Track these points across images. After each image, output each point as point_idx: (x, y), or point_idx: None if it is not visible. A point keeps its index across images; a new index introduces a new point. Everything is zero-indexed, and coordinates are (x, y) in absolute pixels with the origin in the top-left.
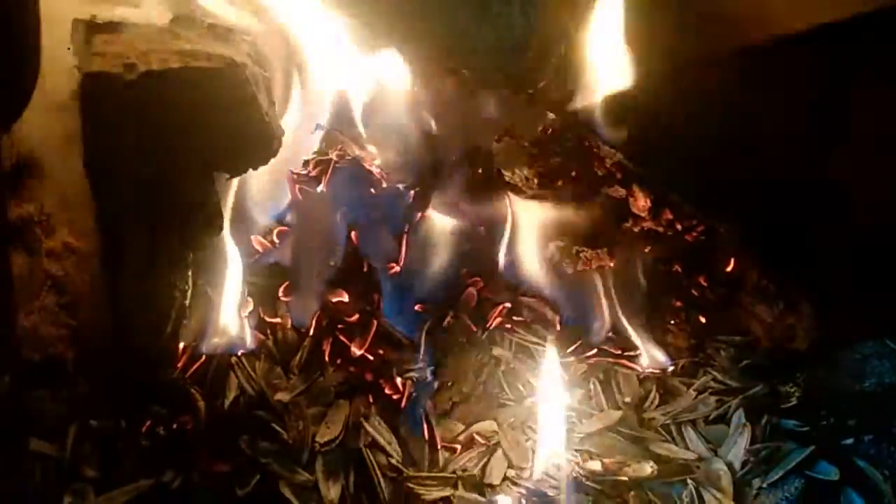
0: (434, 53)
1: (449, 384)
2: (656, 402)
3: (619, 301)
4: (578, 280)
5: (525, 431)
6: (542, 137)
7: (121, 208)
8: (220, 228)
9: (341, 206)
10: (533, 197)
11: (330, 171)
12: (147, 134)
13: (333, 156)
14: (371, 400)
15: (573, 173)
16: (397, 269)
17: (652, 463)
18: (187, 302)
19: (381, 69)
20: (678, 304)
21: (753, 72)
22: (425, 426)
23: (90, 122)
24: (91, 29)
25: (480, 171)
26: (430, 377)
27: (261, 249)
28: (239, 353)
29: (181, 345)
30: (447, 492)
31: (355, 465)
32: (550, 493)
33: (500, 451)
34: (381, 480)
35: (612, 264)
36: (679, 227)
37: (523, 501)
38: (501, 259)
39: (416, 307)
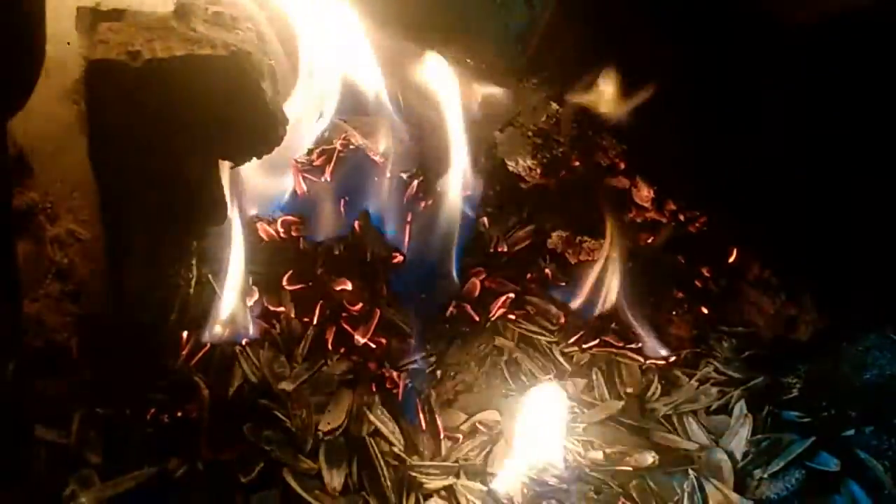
0: (438, 43)
1: (451, 374)
2: (658, 392)
3: (621, 291)
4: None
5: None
6: (545, 127)
7: (125, 196)
8: (224, 217)
9: (345, 195)
10: (536, 186)
11: (334, 160)
12: (151, 121)
13: (337, 145)
14: (374, 389)
15: (576, 163)
16: (400, 258)
17: (653, 453)
18: (191, 290)
19: (385, 58)
20: (680, 294)
21: (758, 63)
22: (422, 415)
23: (94, 109)
24: (96, 16)
25: (483, 160)
26: (426, 366)
27: (266, 238)
28: (243, 342)
29: (185, 333)
30: (450, 480)
31: (358, 453)
32: (552, 482)
33: (502, 441)
34: (384, 469)
35: (614, 254)
36: (682, 217)
37: (525, 490)
38: None
39: (420, 296)
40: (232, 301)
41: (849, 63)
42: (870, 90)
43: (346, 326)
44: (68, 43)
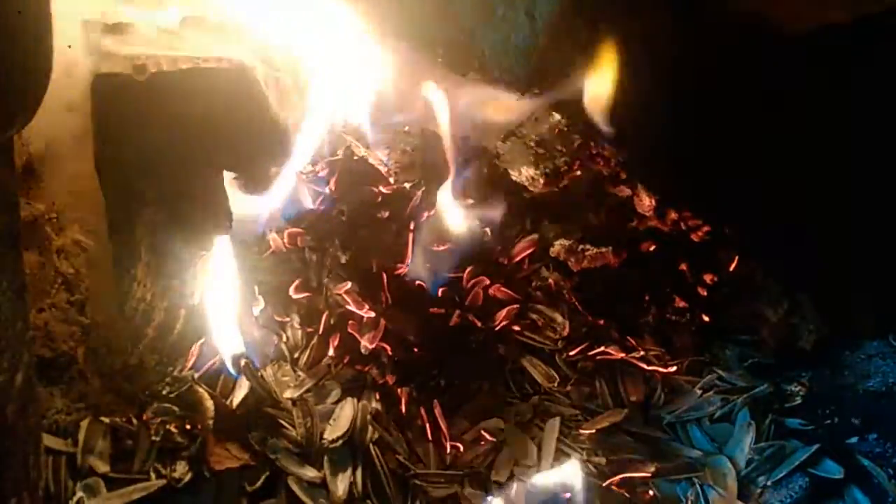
0: (442, 55)
1: (455, 382)
2: (662, 400)
3: (623, 300)
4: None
5: (531, 429)
6: (547, 137)
7: (131, 207)
8: (229, 227)
9: (348, 206)
10: (538, 196)
11: (338, 170)
12: (157, 134)
13: (341, 155)
14: (378, 398)
15: (578, 173)
16: (404, 268)
17: (657, 461)
18: (197, 300)
19: (389, 70)
20: (683, 303)
21: (754, 70)
22: (426, 423)
23: (101, 122)
24: (101, 30)
25: (486, 170)
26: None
27: (274, 247)
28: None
29: (192, 343)
30: (454, 489)
31: (363, 461)
32: (556, 490)
33: (506, 449)
34: (388, 477)
35: (615, 263)
36: (684, 226)
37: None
38: None
39: (424, 305)
40: (238, 311)
41: (849, 68)
42: (871, 96)
43: (352, 332)
44: (69, 46)
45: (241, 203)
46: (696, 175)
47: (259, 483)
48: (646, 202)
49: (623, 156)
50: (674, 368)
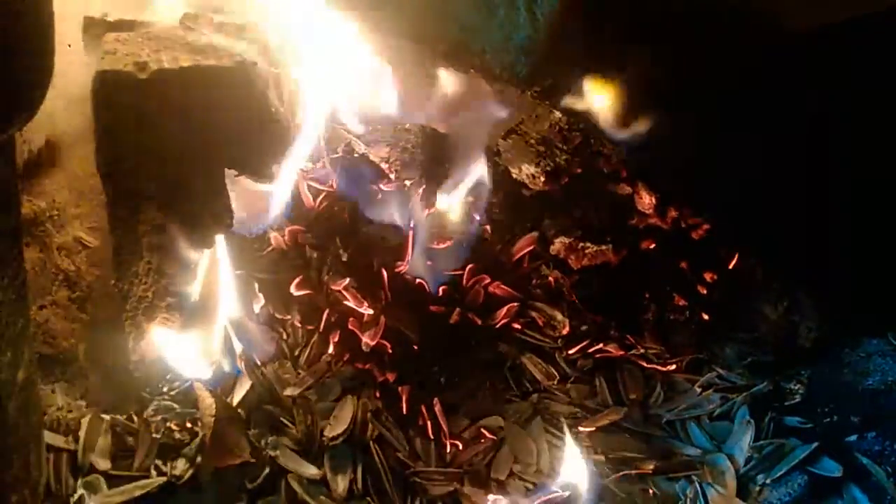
0: (443, 52)
1: (455, 380)
2: (661, 398)
3: (623, 298)
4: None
5: (531, 426)
6: (548, 135)
7: (132, 204)
8: (230, 224)
9: (349, 203)
10: (539, 193)
11: (338, 168)
12: (158, 131)
13: (341, 153)
14: (378, 395)
15: (579, 170)
16: (405, 266)
17: (656, 459)
18: (197, 297)
19: (390, 67)
20: (683, 301)
21: (754, 69)
22: (427, 421)
23: (102, 119)
24: (103, 27)
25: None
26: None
27: (274, 244)
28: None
29: (192, 341)
30: (453, 486)
31: (363, 459)
32: (555, 488)
33: (506, 447)
34: (389, 474)
35: (615, 261)
36: (684, 224)
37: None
38: None
39: (424, 303)
40: (238, 308)
41: (850, 67)
42: (871, 94)
43: (353, 329)
44: (69, 45)
45: (243, 200)
46: (697, 173)
47: (259, 480)
48: (646, 200)
49: (624, 154)
50: (673, 366)
